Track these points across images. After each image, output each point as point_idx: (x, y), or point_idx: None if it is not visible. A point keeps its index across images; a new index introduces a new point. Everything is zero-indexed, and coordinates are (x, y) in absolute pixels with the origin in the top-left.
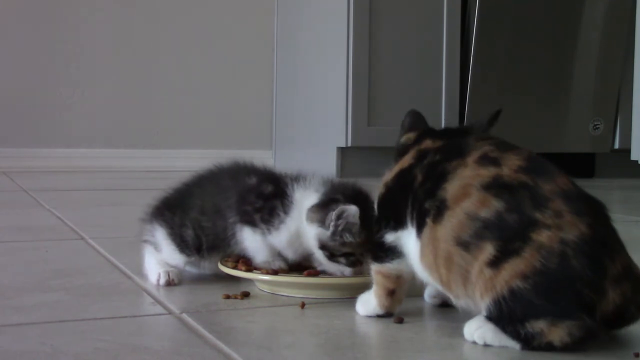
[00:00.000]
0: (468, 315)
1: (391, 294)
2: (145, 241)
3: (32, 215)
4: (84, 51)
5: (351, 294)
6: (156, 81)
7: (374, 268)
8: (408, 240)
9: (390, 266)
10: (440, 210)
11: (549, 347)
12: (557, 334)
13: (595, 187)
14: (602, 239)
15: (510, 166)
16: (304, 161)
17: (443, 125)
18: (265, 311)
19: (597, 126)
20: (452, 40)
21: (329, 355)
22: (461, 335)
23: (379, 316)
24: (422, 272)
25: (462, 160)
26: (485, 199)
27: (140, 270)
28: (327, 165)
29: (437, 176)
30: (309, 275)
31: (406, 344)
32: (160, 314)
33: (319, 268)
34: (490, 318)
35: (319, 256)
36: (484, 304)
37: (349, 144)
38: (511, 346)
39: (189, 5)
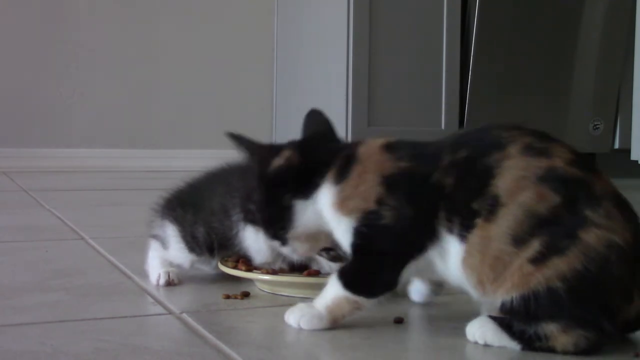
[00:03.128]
0: (468, 316)
1: (346, 317)
2: (154, 236)
3: (32, 215)
4: (84, 51)
5: None
6: (156, 81)
7: (352, 298)
8: (440, 255)
9: (375, 302)
10: (493, 208)
11: (550, 351)
12: (564, 341)
13: None
14: (639, 246)
15: (562, 158)
16: None
17: (443, 126)
18: (265, 311)
19: (597, 126)
20: (452, 40)
21: (329, 355)
22: (461, 335)
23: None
24: (458, 275)
25: (503, 153)
26: (543, 192)
27: (140, 270)
28: None
29: (480, 173)
30: (309, 275)
31: (406, 344)
32: (160, 314)
33: (315, 268)
34: (505, 311)
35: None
36: (506, 296)
37: None
38: (511, 347)
39: (189, 5)
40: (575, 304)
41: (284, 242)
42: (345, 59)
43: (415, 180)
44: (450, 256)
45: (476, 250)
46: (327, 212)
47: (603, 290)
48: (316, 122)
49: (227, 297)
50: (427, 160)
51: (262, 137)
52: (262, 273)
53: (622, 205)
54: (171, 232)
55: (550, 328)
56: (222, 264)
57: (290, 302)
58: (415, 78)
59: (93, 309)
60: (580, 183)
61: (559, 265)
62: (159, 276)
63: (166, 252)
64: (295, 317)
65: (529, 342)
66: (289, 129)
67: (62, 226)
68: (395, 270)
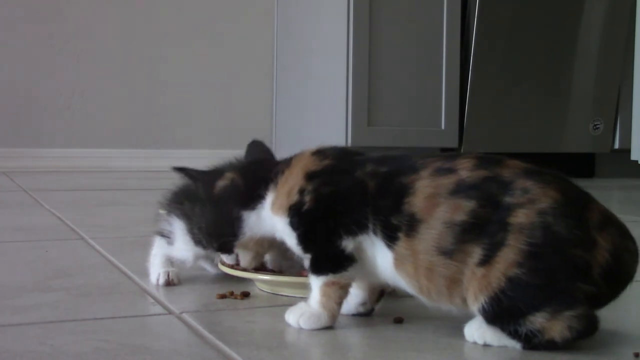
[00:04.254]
0: (467, 316)
1: (341, 302)
2: (159, 232)
3: (32, 215)
4: (84, 51)
5: None
6: (156, 81)
7: (328, 280)
8: (371, 247)
9: (349, 274)
10: (412, 225)
11: (551, 345)
12: (557, 328)
13: (595, 187)
14: (573, 196)
15: (465, 169)
16: None
17: (443, 126)
18: (265, 311)
19: (597, 126)
20: (452, 40)
21: (329, 355)
22: (461, 335)
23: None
24: (394, 279)
25: (416, 175)
26: (456, 203)
27: (140, 270)
28: None
29: (396, 190)
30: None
31: (406, 344)
32: (160, 314)
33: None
34: (488, 318)
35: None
36: (478, 304)
37: (349, 144)
38: (511, 346)
39: (189, 5)
40: (545, 280)
41: (230, 251)
42: (345, 59)
43: (337, 171)
44: (379, 257)
45: (407, 260)
46: (269, 218)
47: (559, 252)
48: (257, 150)
49: (222, 296)
50: (351, 163)
51: (263, 137)
52: (262, 273)
53: (534, 173)
54: (178, 225)
55: (538, 320)
56: (221, 263)
57: (290, 302)
58: (415, 78)
59: (93, 309)
60: (488, 180)
61: (508, 255)
62: (159, 276)
63: (171, 248)
64: (294, 316)
65: (527, 340)
66: (289, 129)
67: (62, 226)
68: (336, 241)
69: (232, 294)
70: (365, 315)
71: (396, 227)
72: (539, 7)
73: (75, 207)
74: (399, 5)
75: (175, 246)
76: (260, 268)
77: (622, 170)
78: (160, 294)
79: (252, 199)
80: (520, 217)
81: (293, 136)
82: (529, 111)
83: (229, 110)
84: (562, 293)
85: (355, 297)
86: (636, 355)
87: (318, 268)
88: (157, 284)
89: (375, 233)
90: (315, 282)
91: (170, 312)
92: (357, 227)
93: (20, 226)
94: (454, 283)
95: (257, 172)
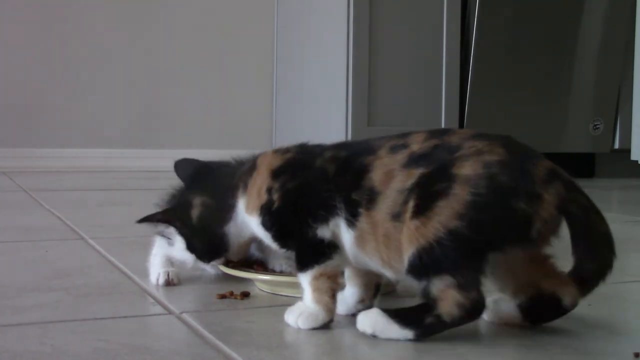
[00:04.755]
0: None
1: (335, 294)
2: (159, 232)
3: (32, 215)
4: (84, 51)
5: None
6: (156, 81)
7: (315, 273)
8: (337, 228)
9: (334, 263)
10: (371, 197)
11: (440, 325)
12: (450, 302)
13: (595, 187)
14: (519, 153)
15: (416, 143)
16: None
17: (443, 126)
18: (265, 311)
19: (597, 126)
20: (452, 40)
21: (329, 355)
22: (461, 335)
23: (325, 324)
24: (359, 258)
25: (374, 155)
26: (408, 172)
27: (140, 270)
28: None
29: (356, 170)
30: None
31: (406, 344)
32: (160, 314)
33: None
34: (410, 269)
35: None
36: (406, 255)
37: None
38: (403, 337)
39: (188, 6)
40: (486, 232)
41: (220, 261)
42: (345, 59)
43: (300, 164)
44: (343, 238)
45: (368, 235)
46: (247, 220)
47: (503, 204)
48: (189, 166)
49: (222, 296)
50: (312, 153)
51: (263, 137)
52: (262, 273)
53: (482, 136)
54: None
55: (439, 284)
56: (222, 264)
57: (290, 302)
58: (415, 78)
59: (93, 309)
60: (437, 147)
61: (450, 206)
62: (159, 275)
63: (171, 248)
64: (293, 317)
65: (417, 325)
66: (289, 129)
67: (62, 226)
68: (312, 232)
69: (232, 294)
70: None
71: (357, 203)
72: (539, 7)
73: (75, 207)
74: (399, 5)
75: (175, 246)
76: (261, 268)
77: (622, 170)
78: (160, 294)
79: (227, 211)
80: (466, 168)
81: (293, 136)
82: (529, 111)
83: (229, 110)
84: (478, 261)
85: (352, 297)
86: (636, 355)
87: (302, 263)
88: (157, 284)
89: (338, 214)
90: (304, 279)
91: (170, 312)
92: (327, 212)
93: (20, 226)
94: (400, 245)
95: (220, 184)
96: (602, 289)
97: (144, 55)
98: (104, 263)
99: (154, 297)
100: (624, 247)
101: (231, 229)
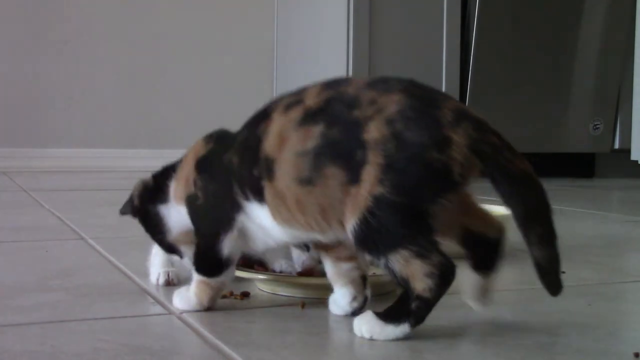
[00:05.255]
0: (468, 316)
1: (212, 298)
2: None
3: (32, 215)
4: (83, 51)
5: None
6: (156, 81)
7: (202, 279)
8: (253, 215)
9: (221, 279)
10: (269, 167)
11: (425, 305)
12: (419, 275)
13: (595, 187)
14: (421, 96)
15: (311, 97)
16: None
17: None
18: (265, 311)
19: (597, 126)
20: (452, 40)
21: (329, 355)
22: (461, 334)
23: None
24: (279, 231)
25: (267, 120)
26: (304, 132)
27: (140, 270)
28: None
29: (253, 144)
30: (306, 275)
31: (406, 344)
32: (160, 314)
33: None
34: (357, 241)
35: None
36: (349, 225)
37: None
38: (402, 334)
39: (188, 5)
40: (407, 198)
41: (175, 251)
42: (345, 59)
43: (215, 160)
44: (262, 219)
45: (279, 206)
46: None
47: (416, 160)
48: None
49: (222, 296)
50: (227, 142)
51: None
52: (262, 273)
53: (377, 82)
54: None
55: (398, 262)
56: None
57: (290, 302)
58: (415, 78)
59: (93, 309)
60: (333, 100)
61: (370, 174)
62: (159, 276)
63: None
64: (176, 298)
65: (408, 316)
66: None
67: (62, 226)
68: (215, 246)
69: (232, 294)
70: (362, 308)
71: (258, 178)
72: (539, 7)
73: (75, 207)
74: (399, 5)
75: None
76: (261, 268)
77: (622, 170)
78: (160, 294)
79: (162, 191)
80: (373, 131)
81: None
82: (529, 111)
83: (229, 110)
84: (423, 222)
85: (343, 297)
86: (636, 355)
87: (197, 267)
88: (157, 284)
89: (248, 199)
90: (194, 275)
91: (170, 312)
92: (232, 215)
93: (20, 226)
94: (325, 210)
95: (167, 166)
96: (602, 289)
97: (144, 55)
98: (104, 263)
99: (154, 297)
100: (624, 247)
101: (169, 211)
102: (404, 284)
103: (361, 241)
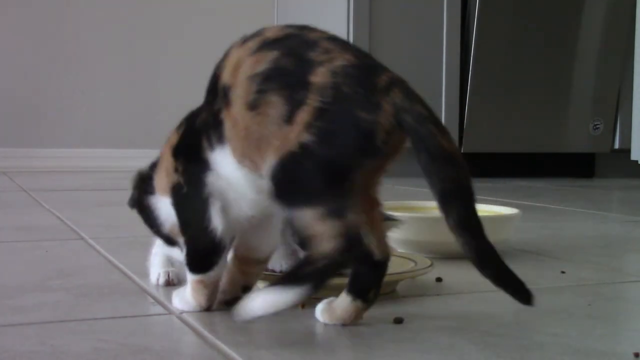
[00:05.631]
0: (468, 316)
1: (211, 297)
2: None
3: (32, 215)
4: (84, 51)
5: None
6: (156, 81)
7: (198, 278)
8: (218, 164)
9: (214, 274)
10: (226, 94)
11: (329, 269)
12: (325, 235)
13: (595, 187)
14: (367, 62)
15: (271, 31)
16: None
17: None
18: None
19: (597, 126)
20: (452, 40)
21: (329, 355)
22: (461, 335)
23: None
24: (241, 179)
25: (226, 56)
26: (258, 56)
27: (140, 270)
28: None
29: (213, 82)
30: None
31: (406, 344)
32: (160, 314)
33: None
34: (275, 186)
35: None
36: (269, 164)
37: None
38: (301, 295)
39: (189, 6)
40: (329, 146)
41: (176, 244)
42: None
43: (189, 136)
44: (226, 166)
45: (235, 137)
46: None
47: (346, 112)
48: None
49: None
50: (195, 116)
51: None
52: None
53: (337, 39)
54: None
55: (308, 218)
56: None
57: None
58: (415, 78)
59: (93, 309)
60: (292, 36)
61: (304, 116)
62: (159, 276)
63: (171, 248)
64: (175, 299)
65: (307, 278)
66: None
67: (62, 226)
68: (206, 229)
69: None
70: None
71: (218, 111)
72: (539, 8)
73: (75, 207)
74: (399, 6)
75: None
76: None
77: (622, 170)
78: (160, 294)
79: (149, 182)
80: (319, 76)
81: None
82: (529, 111)
83: None
84: (344, 182)
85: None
86: (636, 355)
87: (189, 265)
88: (157, 284)
89: (212, 148)
90: (188, 275)
91: (170, 312)
92: (204, 174)
93: (20, 226)
94: (260, 141)
95: (154, 161)
96: (602, 289)
97: (144, 55)
98: (104, 263)
99: (154, 297)
100: (624, 247)
101: (159, 203)
102: (306, 243)
103: (277, 186)
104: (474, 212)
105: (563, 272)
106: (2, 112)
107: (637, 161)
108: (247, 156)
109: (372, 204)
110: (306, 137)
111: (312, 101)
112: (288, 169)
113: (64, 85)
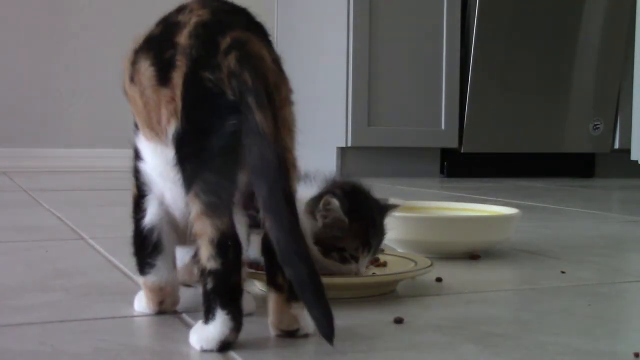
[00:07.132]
0: (468, 315)
1: (161, 302)
2: None
3: (32, 215)
4: (84, 51)
5: (351, 294)
6: None
7: (145, 282)
8: (139, 145)
9: (153, 278)
10: (132, 78)
11: (218, 284)
12: (204, 244)
13: (595, 187)
14: (218, 20)
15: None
16: (304, 161)
17: (443, 126)
18: (266, 311)
19: (597, 126)
20: (452, 40)
21: (329, 355)
22: (461, 334)
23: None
24: (150, 152)
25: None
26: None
27: None
28: (327, 165)
29: None
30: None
31: (406, 344)
32: (160, 314)
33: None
34: (174, 145)
35: (315, 253)
36: (170, 130)
37: (349, 144)
38: (221, 332)
39: None
40: (196, 112)
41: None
42: (346, 59)
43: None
44: (143, 146)
45: (137, 115)
46: None
47: (194, 74)
48: None
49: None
50: None
51: None
52: (263, 273)
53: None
54: None
55: (191, 196)
56: None
57: None
58: (415, 78)
59: (93, 309)
60: (176, 11)
61: (177, 78)
62: None
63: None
64: (135, 299)
65: (215, 301)
66: None
67: (62, 226)
68: (139, 224)
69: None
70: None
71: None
72: (539, 7)
73: (75, 207)
74: (399, 6)
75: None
76: (261, 268)
77: (622, 170)
78: None
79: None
80: (182, 37)
81: None
82: (529, 111)
83: None
84: (222, 155)
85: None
86: (636, 355)
87: (138, 266)
88: None
89: (136, 129)
90: (140, 279)
91: (170, 312)
92: (137, 162)
93: (20, 226)
94: (150, 114)
95: None
96: (602, 289)
97: None
98: (104, 263)
99: None
100: (624, 247)
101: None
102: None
103: (176, 155)
104: (277, 193)
105: (563, 272)
106: (2, 112)
107: (637, 161)
108: (150, 130)
109: None
110: (181, 103)
111: (182, 63)
112: (179, 138)
113: (63, 85)
